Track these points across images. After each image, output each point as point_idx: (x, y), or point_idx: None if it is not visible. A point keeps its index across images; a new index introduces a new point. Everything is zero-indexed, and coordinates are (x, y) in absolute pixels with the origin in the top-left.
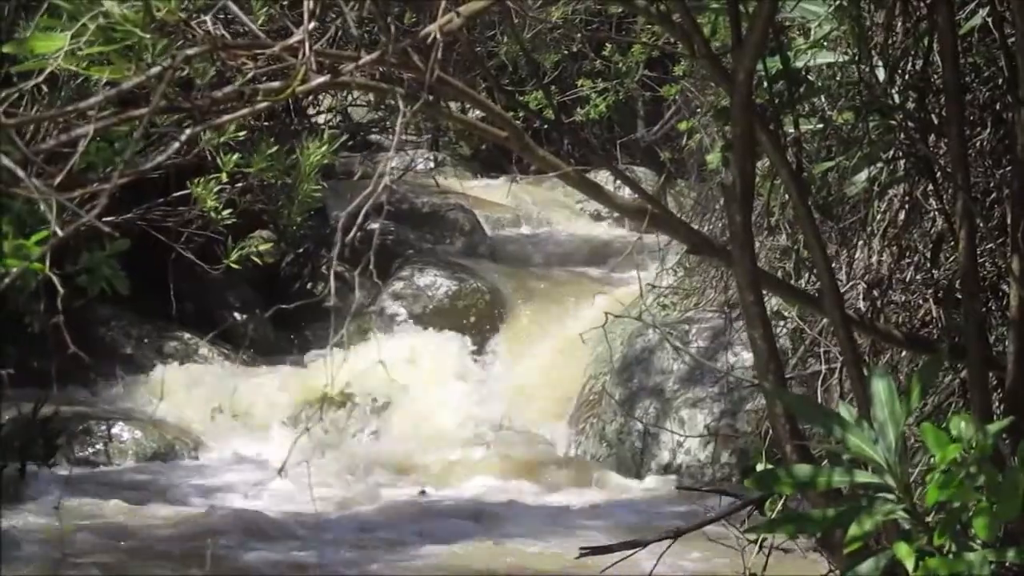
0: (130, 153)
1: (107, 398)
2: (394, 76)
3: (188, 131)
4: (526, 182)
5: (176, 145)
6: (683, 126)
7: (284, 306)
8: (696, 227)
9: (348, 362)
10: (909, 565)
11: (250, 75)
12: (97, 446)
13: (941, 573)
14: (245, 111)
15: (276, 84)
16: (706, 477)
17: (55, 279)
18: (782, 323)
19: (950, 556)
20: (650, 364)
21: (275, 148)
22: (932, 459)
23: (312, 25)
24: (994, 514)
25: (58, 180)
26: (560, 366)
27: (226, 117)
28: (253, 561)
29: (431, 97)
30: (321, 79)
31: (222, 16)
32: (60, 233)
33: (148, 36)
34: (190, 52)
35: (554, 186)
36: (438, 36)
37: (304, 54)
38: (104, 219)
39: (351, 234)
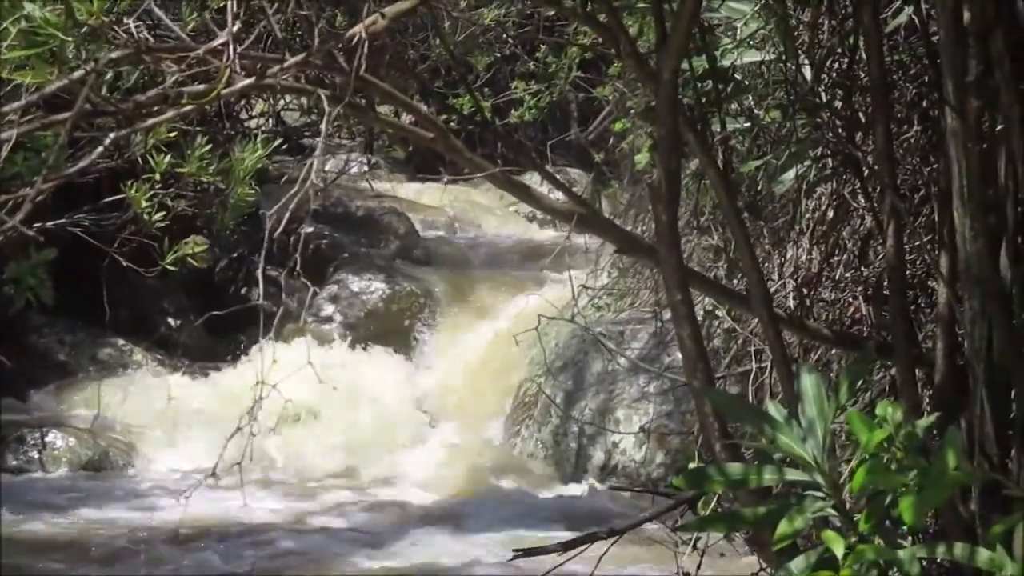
0: (54, 158)
1: (40, 406)
2: (324, 79)
3: (112, 135)
4: (460, 185)
5: (100, 149)
6: (618, 126)
7: (217, 312)
8: (629, 227)
9: (277, 363)
10: (838, 552)
11: (175, 78)
12: (31, 454)
13: (870, 559)
14: (170, 114)
15: (201, 87)
16: (642, 477)
17: None
18: (716, 322)
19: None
20: (585, 365)
21: (208, 147)
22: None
23: (236, 28)
24: (921, 499)
25: None
26: (496, 368)
27: (151, 121)
28: (187, 567)
29: (361, 98)
30: (246, 81)
31: (148, 20)
32: None
33: (70, 39)
34: (113, 55)
35: (488, 189)
36: (363, 36)
37: (228, 57)
38: (34, 225)
39: (278, 233)
